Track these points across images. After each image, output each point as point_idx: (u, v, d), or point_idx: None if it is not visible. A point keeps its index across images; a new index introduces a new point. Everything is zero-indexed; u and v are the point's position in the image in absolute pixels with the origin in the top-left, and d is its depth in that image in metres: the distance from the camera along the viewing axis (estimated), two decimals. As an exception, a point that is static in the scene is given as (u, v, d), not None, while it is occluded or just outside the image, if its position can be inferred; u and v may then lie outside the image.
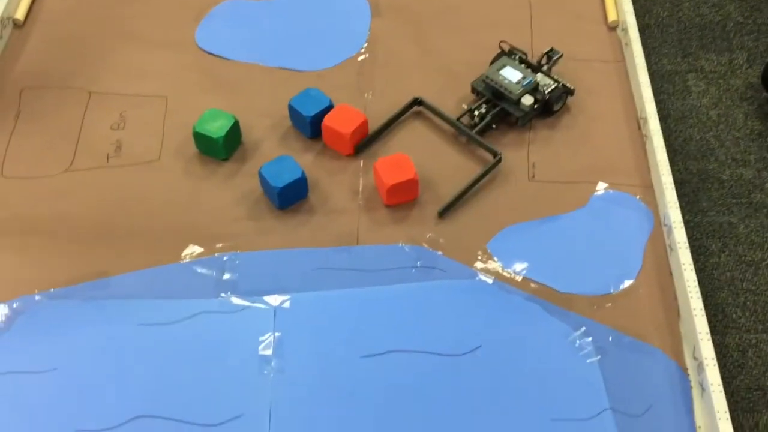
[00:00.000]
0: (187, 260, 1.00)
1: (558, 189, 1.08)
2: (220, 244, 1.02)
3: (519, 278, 0.98)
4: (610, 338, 0.93)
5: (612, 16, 1.30)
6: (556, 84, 1.14)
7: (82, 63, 1.23)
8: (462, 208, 1.05)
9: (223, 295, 0.96)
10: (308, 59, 1.24)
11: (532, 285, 0.98)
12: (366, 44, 1.27)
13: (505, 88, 1.12)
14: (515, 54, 1.19)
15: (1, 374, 0.89)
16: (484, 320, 0.94)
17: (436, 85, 1.20)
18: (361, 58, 1.25)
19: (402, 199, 1.05)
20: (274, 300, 0.96)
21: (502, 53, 1.19)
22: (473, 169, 1.09)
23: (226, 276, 0.98)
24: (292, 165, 1.04)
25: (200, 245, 1.01)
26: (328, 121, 1.09)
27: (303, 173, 1.04)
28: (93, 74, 1.22)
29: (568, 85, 1.15)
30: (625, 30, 1.27)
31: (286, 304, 0.95)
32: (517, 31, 1.28)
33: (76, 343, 0.92)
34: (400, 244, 1.02)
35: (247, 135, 1.13)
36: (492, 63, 1.18)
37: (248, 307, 0.95)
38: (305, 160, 1.09)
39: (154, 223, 1.04)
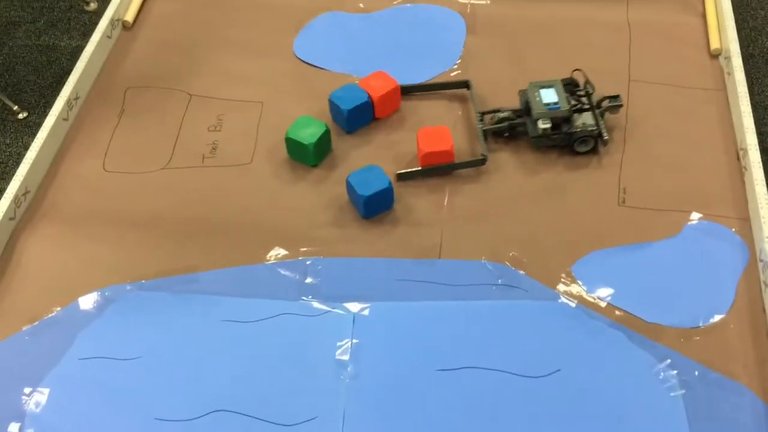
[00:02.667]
0: (272, 261, 1.02)
1: (649, 216, 1.05)
2: (305, 249, 1.03)
3: (603, 304, 0.96)
4: (696, 373, 0.90)
5: (715, 44, 1.27)
6: (592, 127, 1.10)
7: (185, 66, 1.28)
8: (548, 229, 1.04)
9: (304, 298, 0.98)
10: (401, 72, 1.25)
11: (617, 312, 0.95)
12: (459, 60, 1.27)
13: (533, 104, 1.11)
14: (586, 87, 1.14)
15: (90, 358, 0.93)
16: (565, 344, 0.92)
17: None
18: (453, 73, 1.25)
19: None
20: (353, 307, 0.96)
21: (569, 81, 1.16)
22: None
23: (309, 280, 1.00)
24: (380, 175, 1.05)
25: (285, 248, 1.03)
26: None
27: (390, 183, 1.04)
28: (194, 77, 1.26)
29: (604, 134, 1.10)
30: (728, 58, 1.23)
31: (366, 312, 0.96)
32: (614, 54, 1.27)
33: (162, 334, 0.95)
34: (483, 261, 1.01)
35: (338, 143, 1.15)
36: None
37: (328, 312, 0.96)
38: (393, 171, 1.10)
39: (243, 223, 1.07)
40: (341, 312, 0.96)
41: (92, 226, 1.07)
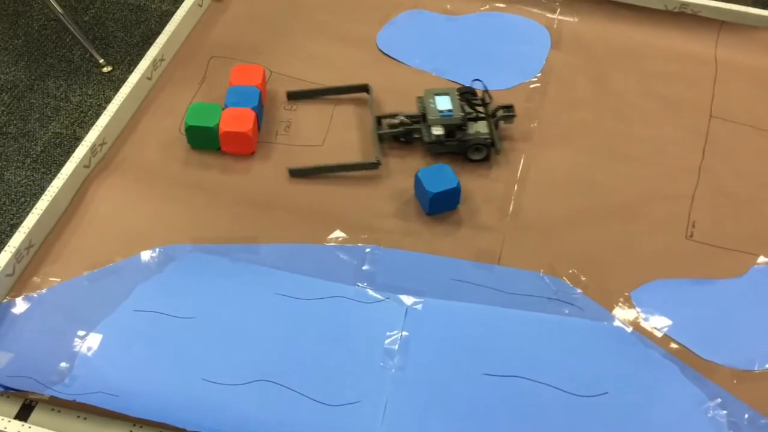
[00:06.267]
0: (332, 244, 1.03)
1: (715, 253, 1.03)
2: (365, 236, 1.04)
3: (659, 334, 0.95)
4: (746, 416, 0.88)
5: (802, 91, 1.24)
6: (484, 136, 1.11)
7: (269, 42, 1.30)
8: (611, 251, 1.03)
9: (359, 284, 0.98)
10: (481, 78, 1.25)
11: (672, 345, 0.94)
12: (540, 74, 1.27)
13: (427, 111, 1.12)
14: (483, 97, 1.16)
15: (145, 311, 0.95)
16: (615, 367, 0.91)
17: (607, 123, 1.19)
18: (532, 86, 1.25)
19: None
20: (407, 299, 0.97)
21: (467, 90, 1.17)
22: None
23: (366, 267, 1.00)
24: (450, 174, 1.05)
25: (346, 233, 1.04)
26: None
27: (458, 184, 1.04)
28: (277, 55, 1.28)
29: (497, 143, 1.12)
30: (814, 106, 1.21)
31: (418, 306, 0.96)
32: (698, 87, 1.25)
33: (217, 297, 0.96)
34: (541, 273, 1.01)
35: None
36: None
37: (382, 301, 0.96)
38: (462, 172, 1.10)
39: (307, 203, 1.08)
40: (394, 303, 0.96)
41: (161, 185, 1.09)
